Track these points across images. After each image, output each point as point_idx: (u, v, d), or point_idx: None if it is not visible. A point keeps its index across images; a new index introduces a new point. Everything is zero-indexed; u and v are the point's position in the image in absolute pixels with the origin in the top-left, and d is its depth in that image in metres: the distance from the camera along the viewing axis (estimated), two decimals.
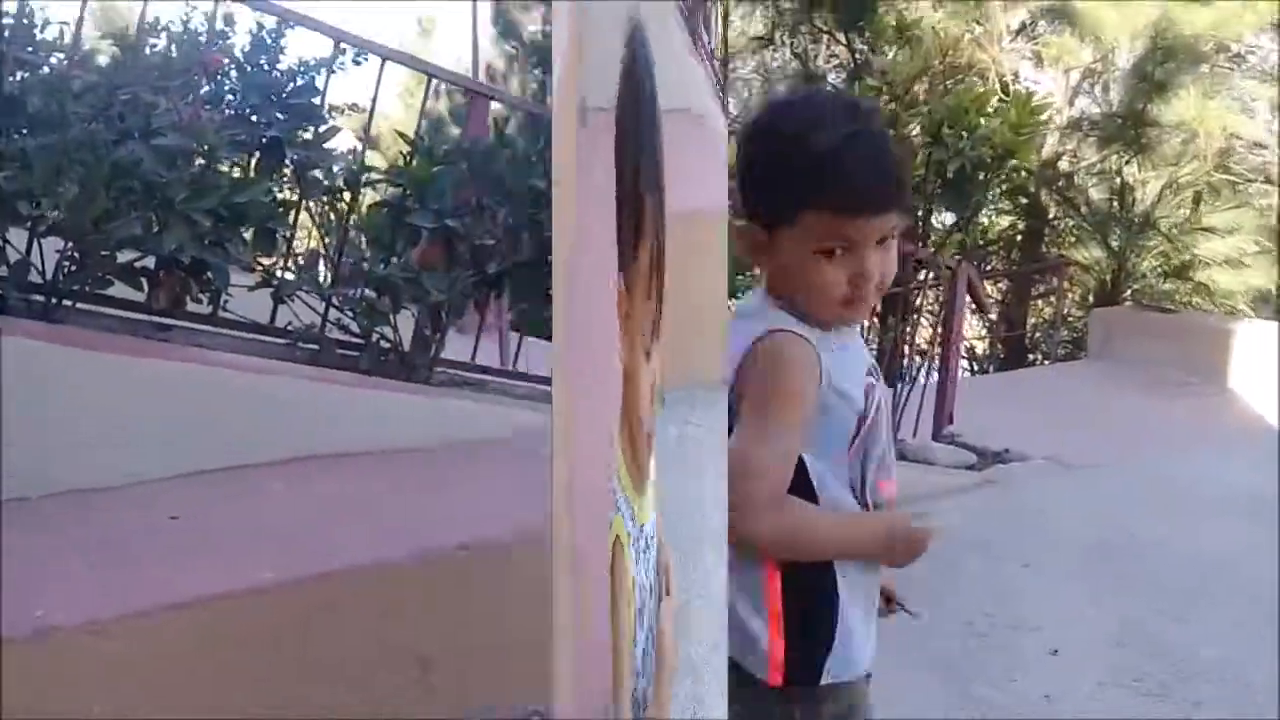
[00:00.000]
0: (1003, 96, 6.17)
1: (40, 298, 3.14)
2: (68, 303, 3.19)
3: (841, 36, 11.75)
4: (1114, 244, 10.66)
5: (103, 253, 3.10)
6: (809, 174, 1.28)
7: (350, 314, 3.71)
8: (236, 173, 3.52)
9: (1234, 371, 7.92)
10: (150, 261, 3.25)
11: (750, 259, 1.43)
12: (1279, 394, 7.07)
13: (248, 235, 3.43)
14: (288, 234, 3.85)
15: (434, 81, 4.91)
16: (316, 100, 3.79)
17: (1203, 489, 5.14)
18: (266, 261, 3.64)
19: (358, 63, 4.20)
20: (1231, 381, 7.78)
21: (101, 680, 2.12)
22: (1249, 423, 6.97)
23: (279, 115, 3.62)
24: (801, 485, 1.32)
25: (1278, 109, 15.78)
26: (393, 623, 2.49)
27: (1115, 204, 10.79)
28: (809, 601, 1.34)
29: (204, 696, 2.20)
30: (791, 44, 13.14)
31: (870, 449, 1.38)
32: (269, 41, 3.78)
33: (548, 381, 4.64)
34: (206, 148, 3.16)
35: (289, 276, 3.68)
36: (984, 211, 12.23)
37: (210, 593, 2.29)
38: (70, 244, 3.13)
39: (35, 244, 3.10)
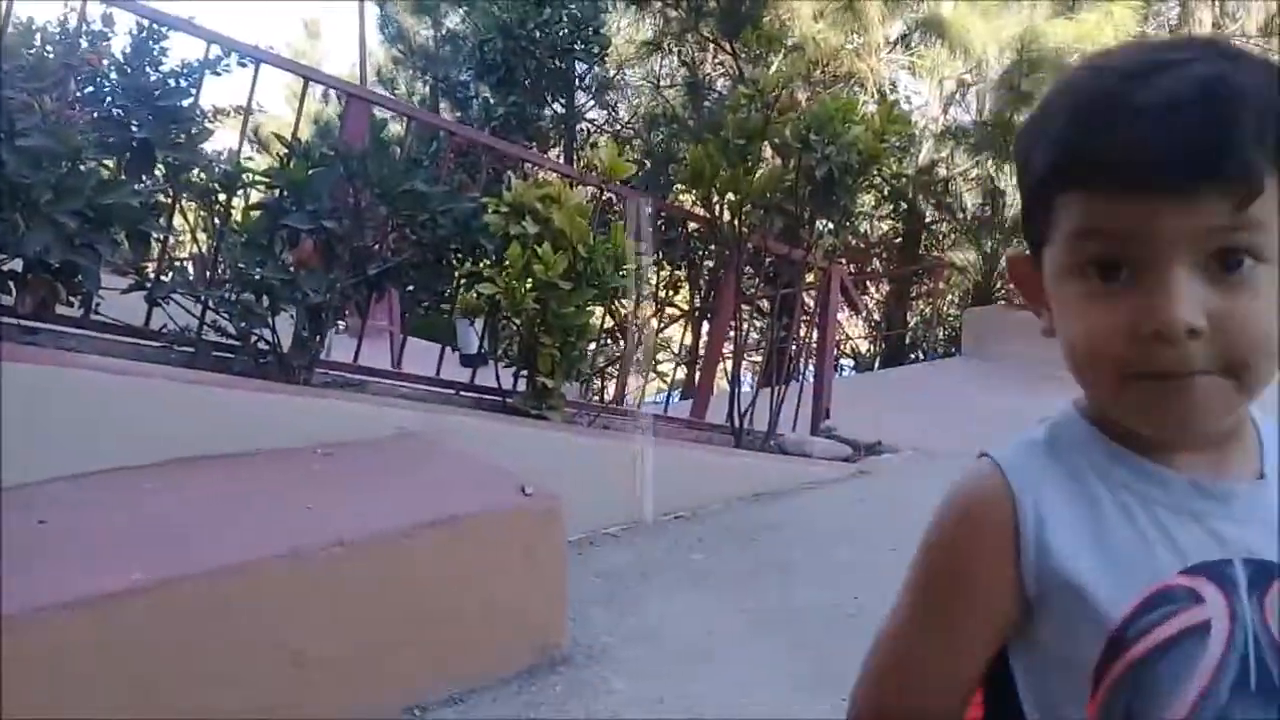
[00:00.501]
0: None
1: None
2: None
3: (727, 45, 12.00)
4: (987, 247, 11.13)
5: None
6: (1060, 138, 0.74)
7: (227, 316, 3.70)
8: (106, 175, 3.48)
9: None
10: (18, 264, 3.20)
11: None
12: None
13: (120, 238, 3.41)
14: (161, 237, 3.83)
15: (327, 86, 4.92)
16: (188, 103, 3.77)
17: None
18: (140, 264, 3.61)
19: (243, 65, 4.18)
20: None
21: None
22: None
23: (150, 117, 3.60)
24: None
25: None
26: (268, 621, 2.53)
27: (988, 208, 11.26)
28: None
29: (78, 697, 2.21)
30: (679, 51, 13.36)
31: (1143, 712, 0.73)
32: (149, 44, 3.75)
33: (431, 381, 4.71)
34: (73, 149, 3.13)
35: (164, 279, 3.65)
36: (864, 216, 12.66)
37: (83, 595, 2.29)
38: None
39: None
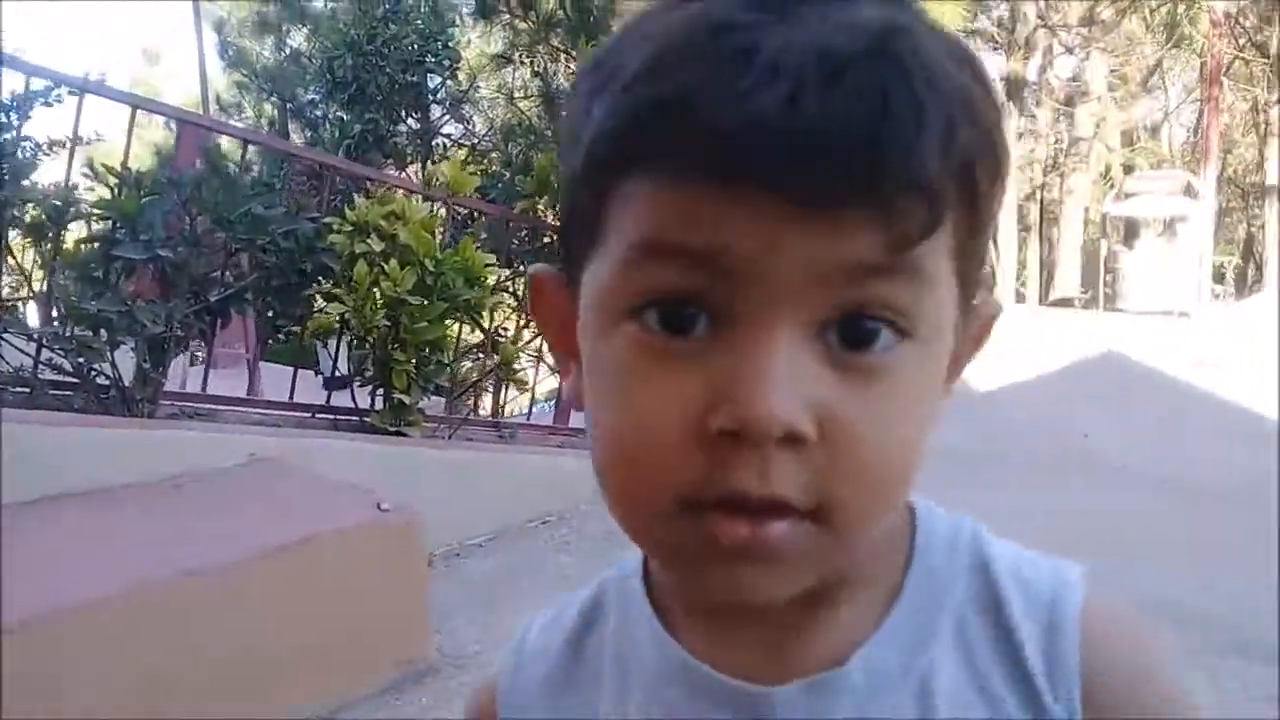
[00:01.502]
0: None
1: None
2: None
3: (577, 55, 12.13)
4: None
5: None
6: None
7: (63, 353, 3.61)
8: None
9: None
10: None
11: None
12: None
13: None
14: None
15: (157, 113, 4.82)
16: (9, 136, 3.67)
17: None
18: None
19: (73, 94, 4.07)
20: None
21: None
22: (961, 389, 7.76)
23: None
24: None
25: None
26: (122, 656, 2.49)
27: None
28: None
29: None
30: (531, 63, 13.43)
31: None
32: None
33: (286, 406, 4.67)
34: None
35: None
36: None
37: None
38: None
39: None
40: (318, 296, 4.40)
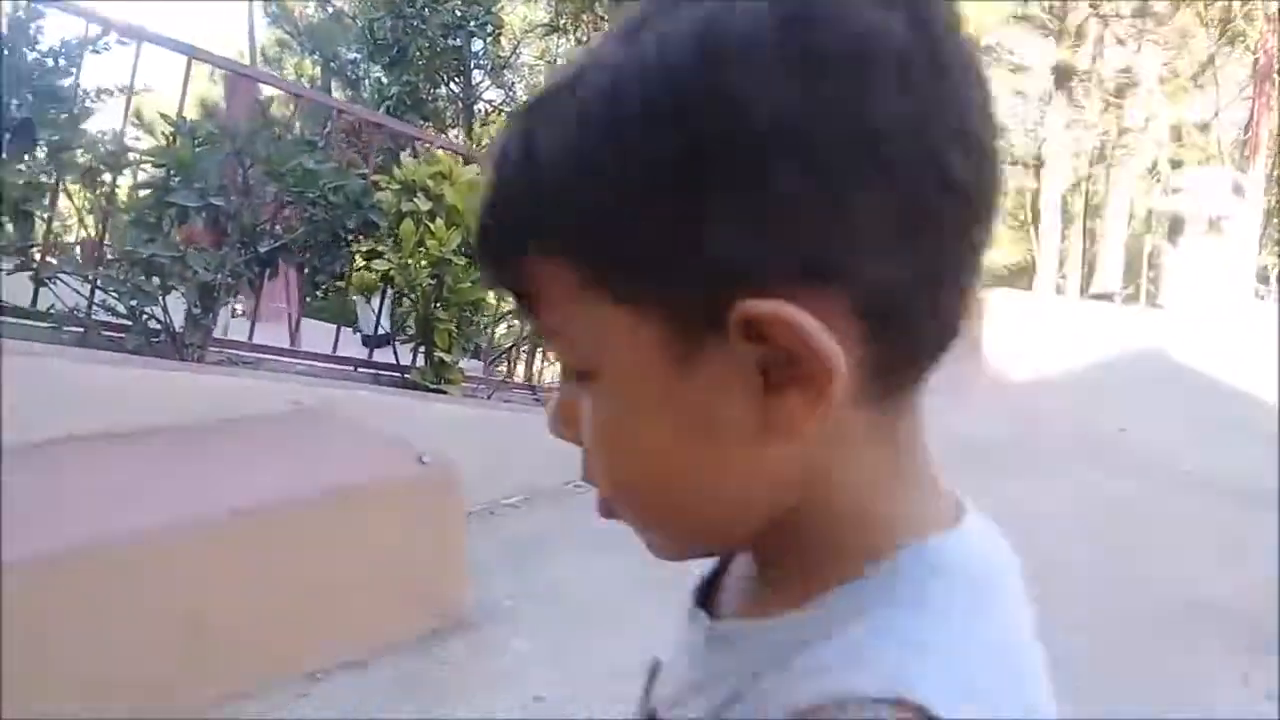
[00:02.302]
0: None
1: None
2: None
3: None
4: None
5: None
6: None
7: (116, 295, 3.68)
8: None
9: (986, 337, 8.69)
10: None
11: None
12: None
13: (4, 219, 3.37)
14: (46, 217, 3.77)
15: (210, 63, 4.87)
16: (67, 82, 3.72)
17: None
18: (26, 245, 3.56)
19: (123, 44, 4.11)
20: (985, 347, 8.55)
21: None
22: (998, 379, 7.71)
23: (29, 96, 3.54)
24: None
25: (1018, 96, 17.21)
26: (168, 590, 2.55)
27: None
28: None
29: None
30: (575, 30, 13.41)
31: None
32: (26, 23, 3.67)
33: (328, 359, 4.73)
34: None
35: (51, 260, 3.61)
36: None
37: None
38: None
39: None
40: (358, 255, 4.45)
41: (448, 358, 4.38)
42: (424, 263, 4.20)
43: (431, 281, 4.25)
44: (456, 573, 3.17)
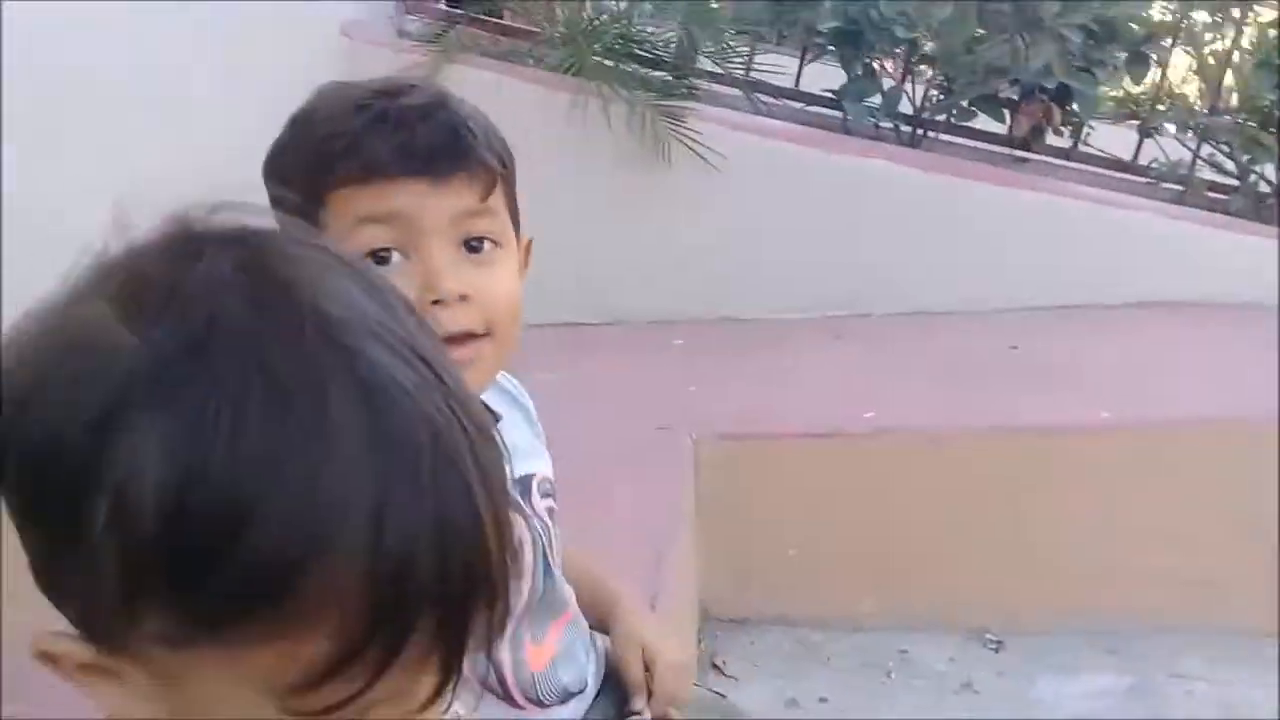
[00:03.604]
0: None
1: (908, 128, 3.29)
2: (932, 134, 3.30)
3: None
4: None
5: (968, 80, 3.10)
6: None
7: (1226, 151, 3.25)
8: None
9: None
10: (1014, 92, 3.18)
11: None
12: None
13: (1118, 62, 3.19)
14: (1160, 61, 3.47)
15: None
16: None
17: None
18: (1134, 91, 3.34)
19: None
20: None
21: (929, 484, 2.20)
22: None
23: None
24: None
25: None
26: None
27: None
28: None
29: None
30: None
31: None
32: None
33: None
34: None
35: (1160, 109, 3.33)
36: None
37: (1037, 423, 2.22)
38: (938, 72, 3.20)
39: (908, 72, 3.22)
40: None
41: None
42: None
43: None
44: None
